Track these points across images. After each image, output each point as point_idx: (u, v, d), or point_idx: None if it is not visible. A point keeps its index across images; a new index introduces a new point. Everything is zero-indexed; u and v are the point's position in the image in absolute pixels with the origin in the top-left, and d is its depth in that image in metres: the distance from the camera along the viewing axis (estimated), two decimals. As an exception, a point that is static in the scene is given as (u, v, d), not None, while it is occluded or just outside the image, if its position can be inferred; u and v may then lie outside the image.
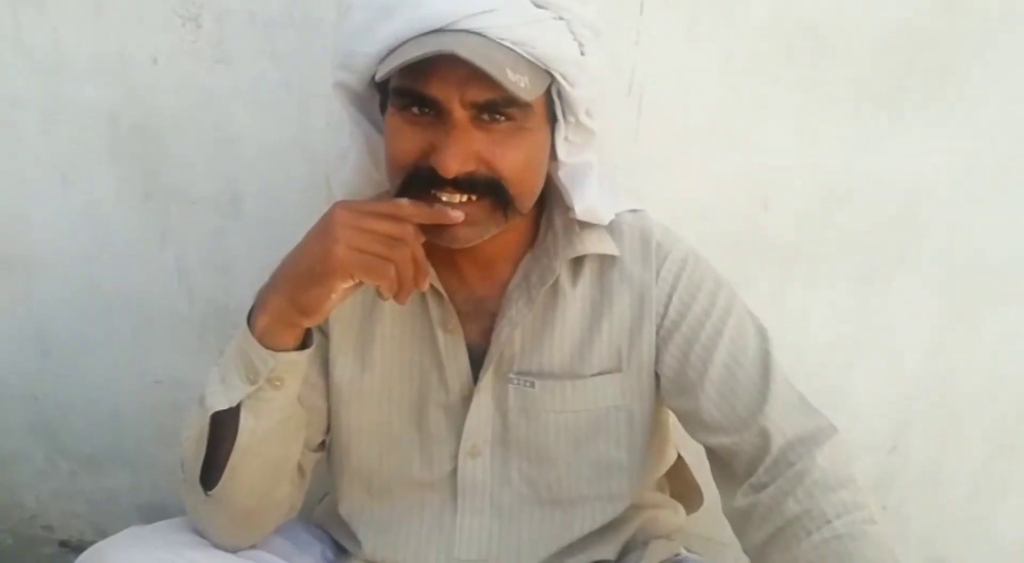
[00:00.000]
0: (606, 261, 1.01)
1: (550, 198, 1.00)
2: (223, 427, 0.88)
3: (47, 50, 1.30)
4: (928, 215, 1.25)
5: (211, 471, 0.91)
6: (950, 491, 1.42)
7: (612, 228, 1.01)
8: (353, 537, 1.08)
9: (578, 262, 1.01)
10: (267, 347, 0.85)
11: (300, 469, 1.03)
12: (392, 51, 0.83)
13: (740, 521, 0.93)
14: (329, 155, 1.18)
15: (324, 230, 0.83)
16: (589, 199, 0.96)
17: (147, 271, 1.42)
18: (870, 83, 1.19)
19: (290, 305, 0.84)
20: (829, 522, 0.84)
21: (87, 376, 1.53)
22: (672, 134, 1.24)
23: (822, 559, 0.82)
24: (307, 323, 0.86)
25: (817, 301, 1.31)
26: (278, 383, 0.87)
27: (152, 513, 1.61)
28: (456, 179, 0.84)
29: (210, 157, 1.33)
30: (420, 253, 0.84)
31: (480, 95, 0.82)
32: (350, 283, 0.82)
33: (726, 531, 1.44)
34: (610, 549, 1.07)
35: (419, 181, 0.86)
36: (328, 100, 1.24)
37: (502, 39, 0.81)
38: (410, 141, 0.86)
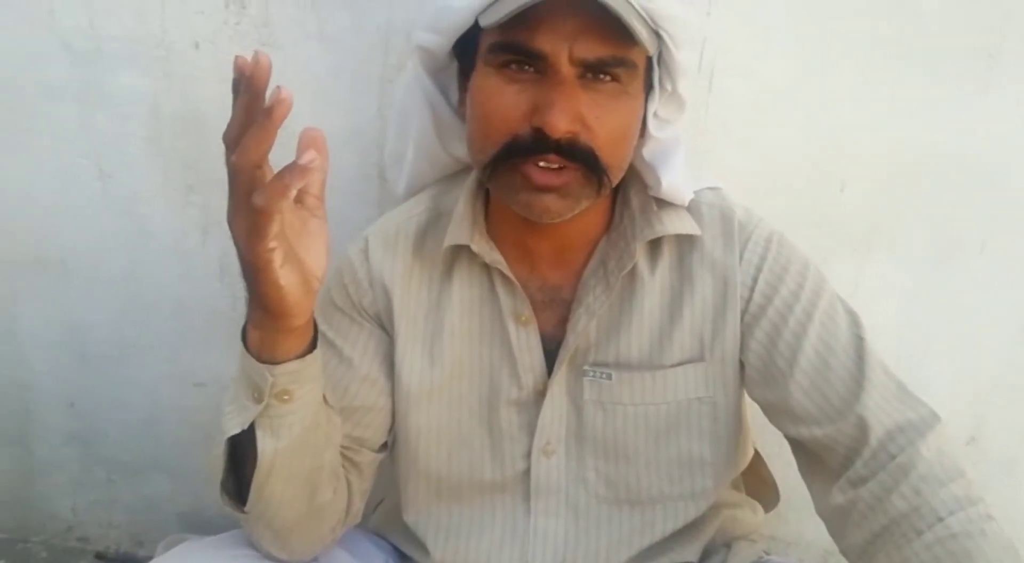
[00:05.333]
0: (685, 244, 0.96)
1: (626, 178, 0.95)
2: (245, 446, 0.82)
3: (83, 36, 1.24)
4: (1015, 192, 1.20)
5: (243, 489, 0.85)
6: (1030, 485, 1.37)
7: (691, 208, 0.97)
8: (420, 545, 1.03)
9: (656, 246, 0.96)
10: (265, 361, 0.76)
11: (358, 469, 0.97)
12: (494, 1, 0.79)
13: (837, 520, 0.88)
14: (383, 147, 1.11)
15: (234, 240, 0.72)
16: (674, 175, 0.92)
17: (188, 268, 1.38)
18: (957, 48, 1.14)
19: (262, 311, 0.74)
20: (942, 519, 0.78)
21: (125, 380, 1.48)
22: (744, 110, 1.19)
23: (937, 561, 0.77)
24: (292, 322, 0.75)
25: (893, 285, 1.27)
26: (286, 397, 0.78)
27: (193, 521, 1.57)
28: (559, 143, 0.79)
29: (255, 147, 1.27)
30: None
31: (591, 51, 0.78)
32: (274, 253, 0.69)
33: (790, 528, 1.44)
34: (692, 551, 1.01)
35: (518, 150, 0.81)
36: (382, 84, 1.21)
37: None
38: (512, 102, 0.81)
